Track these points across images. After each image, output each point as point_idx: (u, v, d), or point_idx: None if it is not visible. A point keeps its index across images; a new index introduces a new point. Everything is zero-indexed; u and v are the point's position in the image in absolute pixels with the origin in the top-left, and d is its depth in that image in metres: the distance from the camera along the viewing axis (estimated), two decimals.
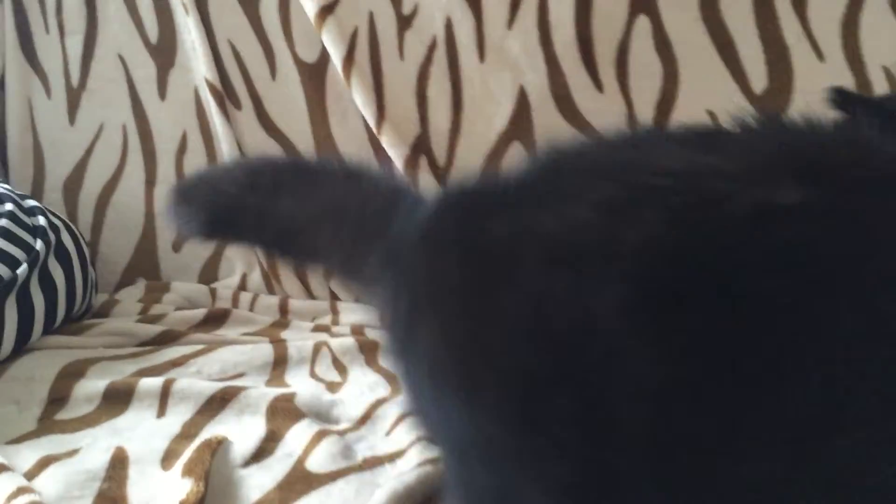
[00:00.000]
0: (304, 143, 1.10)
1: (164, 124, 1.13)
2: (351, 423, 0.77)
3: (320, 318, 1.07)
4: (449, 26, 1.05)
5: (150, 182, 1.13)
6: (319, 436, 0.71)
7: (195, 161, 1.12)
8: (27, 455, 0.68)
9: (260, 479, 0.65)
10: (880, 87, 0.98)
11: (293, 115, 1.10)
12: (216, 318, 1.03)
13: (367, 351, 0.94)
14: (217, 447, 0.67)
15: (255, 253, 1.11)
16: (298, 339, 0.97)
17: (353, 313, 1.06)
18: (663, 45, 1.01)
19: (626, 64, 1.02)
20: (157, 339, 0.95)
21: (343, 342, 0.95)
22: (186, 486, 0.60)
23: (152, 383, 0.80)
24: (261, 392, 0.79)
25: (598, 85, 1.02)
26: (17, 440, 0.71)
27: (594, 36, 1.02)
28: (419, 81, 1.06)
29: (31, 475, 0.64)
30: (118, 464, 0.67)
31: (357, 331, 1.01)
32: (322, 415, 0.77)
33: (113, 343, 0.93)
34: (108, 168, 1.14)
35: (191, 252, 1.13)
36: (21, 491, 0.59)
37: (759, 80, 1.00)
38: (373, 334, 0.99)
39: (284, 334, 1.01)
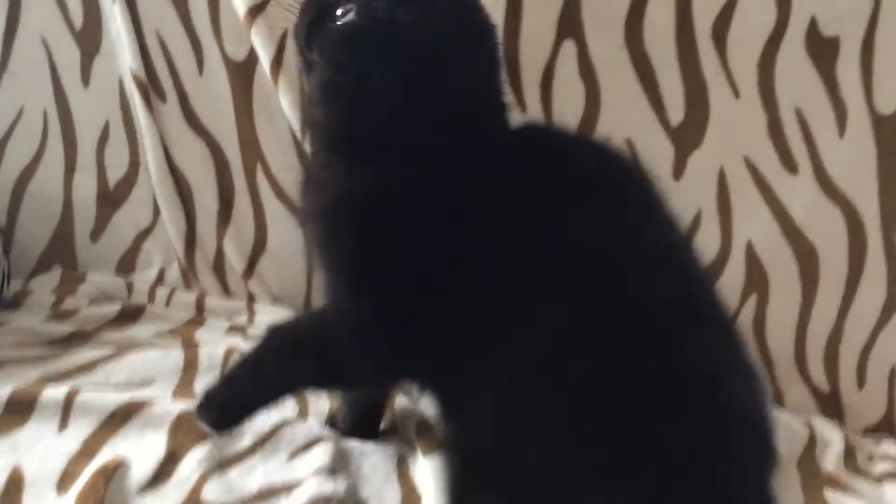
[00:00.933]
0: (230, 141, 1.09)
1: (86, 112, 1.11)
2: (253, 441, 0.79)
3: (236, 318, 1.08)
4: None
5: (70, 170, 1.12)
6: (218, 463, 0.74)
7: (117, 151, 1.11)
8: None
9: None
10: (791, 127, 1.01)
11: (219, 113, 1.09)
12: (130, 315, 1.04)
13: None
14: (112, 473, 0.69)
15: (174, 247, 1.11)
16: (211, 343, 0.98)
17: (268, 315, 1.07)
18: (587, 70, 1.03)
19: (550, 87, 1.04)
20: (67, 338, 0.95)
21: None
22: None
23: (55, 394, 0.80)
24: (165, 408, 0.80)
25: (523, 105, 1.04)
26: None
27: (521, 56, 1.03)
28: None
29: None
30: (13, 487, 0.68)
31: None
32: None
33: (21, 342, 0.92)
34: (26, 153, 1.12)
35: (109, 243, 1.13)
36: None
37: (676, 111, 1.03)
38: None
39: (199, 333, 1.02)
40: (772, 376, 1.03)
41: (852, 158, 1.01)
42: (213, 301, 1.10)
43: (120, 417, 0.79)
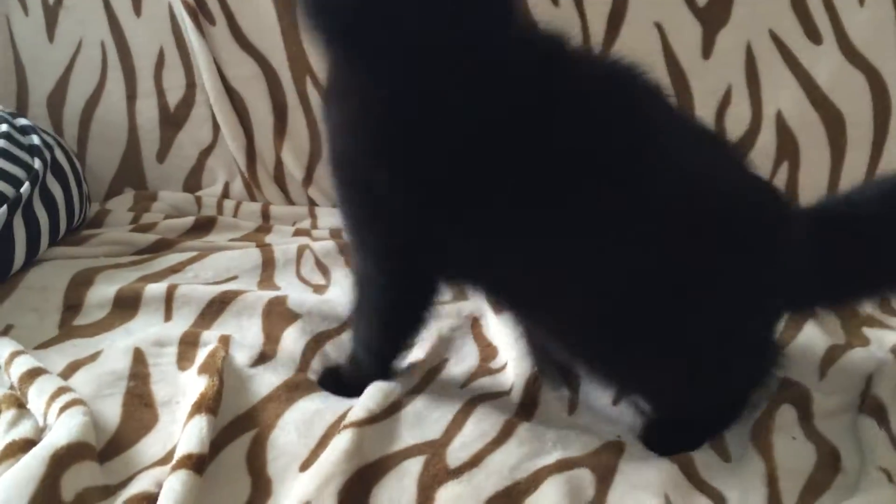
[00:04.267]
0: (278, 57, 1.15)
1: (141, 40, 1.17)
2: (339, 323, 0.87)
3: (300, 223, 1.16)
4: None
5: (132, 97, 1.19)
6: (314, 338, 0.82)
7: (173, 75, 1.18)
8: (56, 360, 0.77)
9: (268, 379, 0.76)
10: (814, 1, 1.05)
11: (266, 31, 1.15)
12: (204, 226, 1.12)
13: (347, 253, 1.03)
14: (225, 351, 0.78)
15: (236, 162, 1.18)
16: (283, 243, 1.06)
17: (330, 217, 1.15)
18: None
19: None
20: (153, 246, 1.03)
21: (324, 245, 1.05)
22: (204, 383, 0.71)
23: (157, 289, 0.89)
24: (256, 295, 0.89)
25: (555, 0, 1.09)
26: (44, 346, 0.81)
27: None
28: None
29: (63, 377, 0.73)
30: (139, 364, 0.77)
31: (336, 234, 1.10)
32: (312, 314, 0.87)
33: (113, 252, 1.01)
34: (89, 84, 1.19)
35: (174, 162, 1.20)
36: (62, 390, 0.69)
37: None
38: None
39: (268, 238, 1.10)
40: None
41: (872, 24, 1.06)
42: (277, 209, 1.18)
43: (217, 306, 0.88)
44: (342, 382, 0.76)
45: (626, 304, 0.64)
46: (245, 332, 0.84)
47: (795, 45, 1.07)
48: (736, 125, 1.09)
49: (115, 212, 1.14)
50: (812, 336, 0.85)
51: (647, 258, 0.62)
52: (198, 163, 1.20)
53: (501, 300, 0.73)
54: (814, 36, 1.07)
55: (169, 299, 0.88)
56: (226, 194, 1.20)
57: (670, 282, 0.62)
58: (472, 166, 0.61)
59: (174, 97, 1.18)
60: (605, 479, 0.64)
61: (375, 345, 0.75)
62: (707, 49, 1.08)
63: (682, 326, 0.65)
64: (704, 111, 1.09)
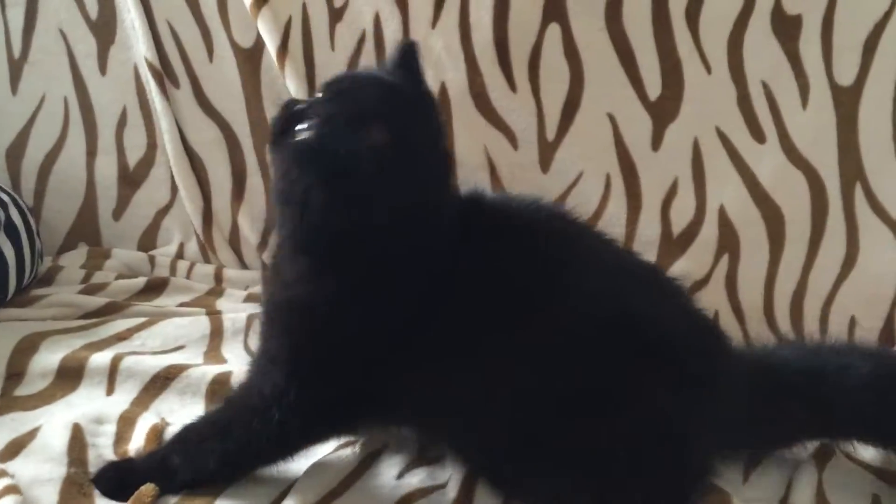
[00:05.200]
0: (240, 123, 1.17)
1: (104, 98, 1.19)
2: None
3: (253, 287, 1.17)
4: (377, 22, 1.13)
5: (92, 153, 1.20)
6: None
7: (135, 134, 1.19)
8: None
9: None
10: (758, 100, 1.10)
11: (229, 97, 1.17)
12: (156, 287, 1.13)
13: None
14: (161, 434, 0.79)
15: (192, 224, 1.20)
16: (232, 311, 1.07)
17: None
18: (571, 51, 1.11)
19: (537, 67, 1.12)
20: (102, 310, 1.04)
21: None
22: None
23: (101, 360, 0.90)
24: (201, 372, 0.90)
25: (512, 85, 1.12)
26: None
27: (510, 39, 1.11)
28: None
29: (2, 458, 0.74)
30: (77, 445, 0.78)
31: None
32: None
33: (60, 314, 1.02)
34: (50, 138, 1.20)
35: (130, 220, 1.21)
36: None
37: (654, 87, 1.11)
38: None
39: (220, 302, 1.11)
40: (743, 329, 1.13)
41: (815, 127, 1.10)
42: (231, 272, 1.19)
43: (161, 381, 0.89)
44: (126, 483, 0.71)
45: (542, 427, 0.69)
46: (188, 412, 0.84)
47: (740, 142, 1.11)
48: (680, 217, 1.13)
49: (68, 268, 1.14)
50: None
51: (557, 384, 0.68)
52: (153, 222, 1.22)
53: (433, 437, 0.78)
54: (758, 135, 1.11)
55: (113, 371, 0.89)
56: (180, 255, 1.21)
57: (584, 404, 0.67)
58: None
59: (134, 156, 1.20)
60: None
61: (234, 457, 0.72)
62: (656, 142, 1.12)
63: (595, 446, 0.68)
64: (651, 201, 1.12)
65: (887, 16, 1.04)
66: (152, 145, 1.19)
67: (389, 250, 0.67)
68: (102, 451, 0.78)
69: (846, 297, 1.12)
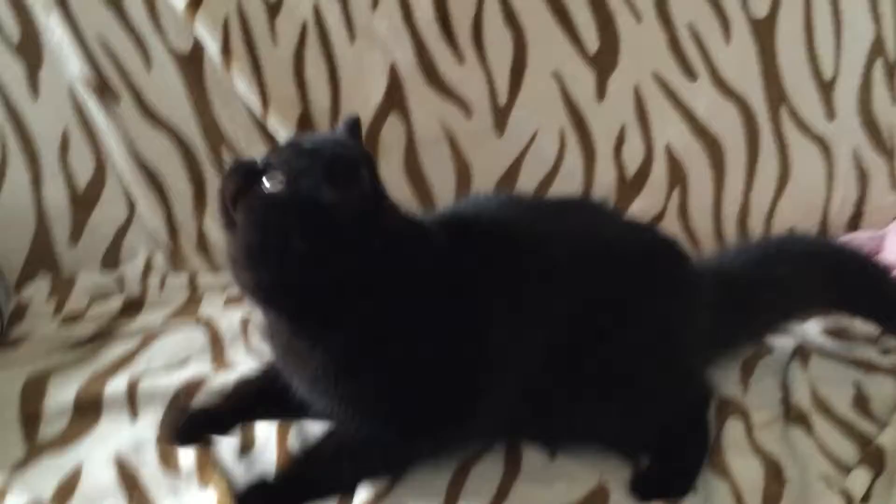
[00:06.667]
0: (191, 129, 1.15)
1: (41, 123, 1.13)
2: None
3: (230, 289, 1.16)
4: (317, 11, 1.13)
5: (36, 181, 1.14)
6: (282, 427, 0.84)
7: (80, 156, 1.15)
8: (38, 484, 0.77)
9: (259, 471, 0.78)
10: (686, 41, 1.18)
11: (176, 104, 1.14)
12: (134, 305, 1.10)
13: None
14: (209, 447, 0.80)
15: (155, 236, 1.18)
16: (221, 317, 1.06)
17: None
18: (511, 16, 1.15)
19: (481, 36, 1.15)
20: (92, 337, 1.02)
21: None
22: (213, 496, 0.73)
23: (118, 388, 0.89)
24: (219, 382, 0.90)
25: (459, 57, 1.15)
26: (19, 467, 0.80)
27: (451, 12, 1.14)
28: (296, 65, 1.14)
29: None
30: (128, 477, 0.78)
31: None
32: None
33: (53, 349, 0.99)
34: None
35: (90, 242, 1.16)
36: None
37: (591, 42, 1.17)
38: None
39: (202, 310, 1.10)
40: (698, 253, 1.21)
41: (739, 60, 1.19)
42: (205, 278, 1.18)
43: (184, 398, 0.89)
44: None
45: (572, 377, 0.76)
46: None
47: (675, 83, 1.19)
48: (632, 160, 1.20)
49: (35, 301, 1.10)
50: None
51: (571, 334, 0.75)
52: (114, 240, 1.18)
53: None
54: (690, 74, 1.19)
55: (132, 397, 0.89)
56: (149, 268, 1.18)
57: (597, 343, 0.75)
58: None
59: (83, 178, 1.15)
60: None
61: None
62: (601, 93, 1.18)
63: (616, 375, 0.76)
64: (604, 150, 1.19)
65: None
66: (101, 164, 1.15)
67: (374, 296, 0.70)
68: (153, 471, 0.79)
69: (784, 210, 1.23)
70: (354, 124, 0.77)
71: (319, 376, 0.73)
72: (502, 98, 1.17)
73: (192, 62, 1.14)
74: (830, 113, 1.21)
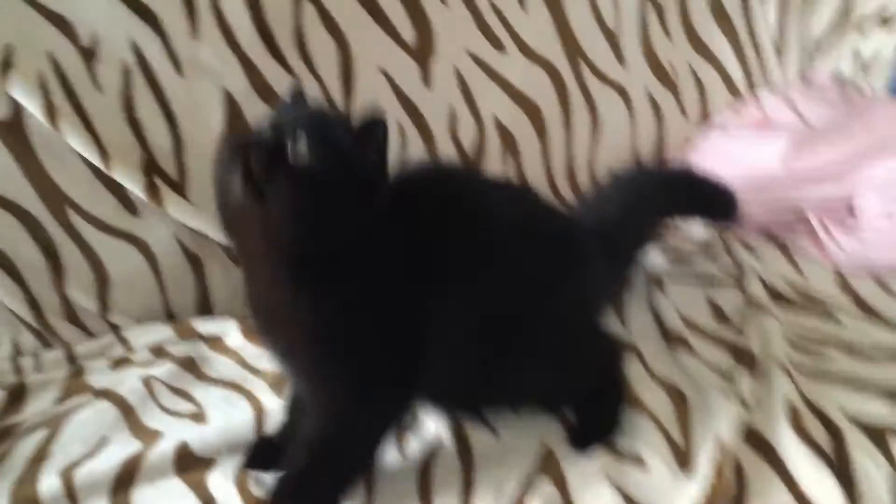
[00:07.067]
0: (27, 197, 1.08)
1: None
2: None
3: (111, 352, 1.13)
4: (136, 49, 1.09)
5: None
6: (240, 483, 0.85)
7: None
8: None
9: None
10: (489, 16, 1.27)
11: (4, 176, 1.07)
12: (17, 395, 1.04)
13: (187, 367, 1.06)
14: None
15: (15, 318, 1.11)
16: (118, 383, 1.03)
17: (143, 334, 1.14)
18: (330, 23, 1.18)
19: (305, 47, 1.17)
20: None
21: (167, 370, 1.05)
22: None
23: (51, 486, 0.85)
24: (159, 454, 0.89)
25: (289, 70, 1.17)
26: None
27: (272, 28, 1.15)
28: (126, 108, 1.10)
29: None
30: None
31: (158, 351, 1.10)
32: (222, 452, 0.89)
33: None
34: None
35: None
36: None
37: (408, 33, 1.23)
38: (178, 349, 1.10)
39: (91, 379, 1.06)
40: None
41: (537, 26, 1.31)
42: (83, 347, 1.13)
43: (125, 482, 0.87)
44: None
45: (508, 347, 0.83)
46: (172, 497, 0.84)
47: (488, 57, 1.29)
48: (467, 138, 1.29)
49: None
50: None
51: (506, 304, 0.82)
52: None
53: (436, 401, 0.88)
54: (499, 47, 1.29)
55: (71, 492, 0.86)
56: (18, 352, 1.12)
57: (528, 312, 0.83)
58: None
59: None
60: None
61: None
62: (427, 80, 1.25)
63: (546, 343, 0.85)
64: (441, 133, 1.27)
65: None
66: None
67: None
68: None
69: (602, 157, 1.40)
70: (300, 94, 0.77)
71: (298, 333, 0.76)
72: (339, 103, 1.20)
73: (13, 128, 1.06)
74: (621, 59, 1.37)
